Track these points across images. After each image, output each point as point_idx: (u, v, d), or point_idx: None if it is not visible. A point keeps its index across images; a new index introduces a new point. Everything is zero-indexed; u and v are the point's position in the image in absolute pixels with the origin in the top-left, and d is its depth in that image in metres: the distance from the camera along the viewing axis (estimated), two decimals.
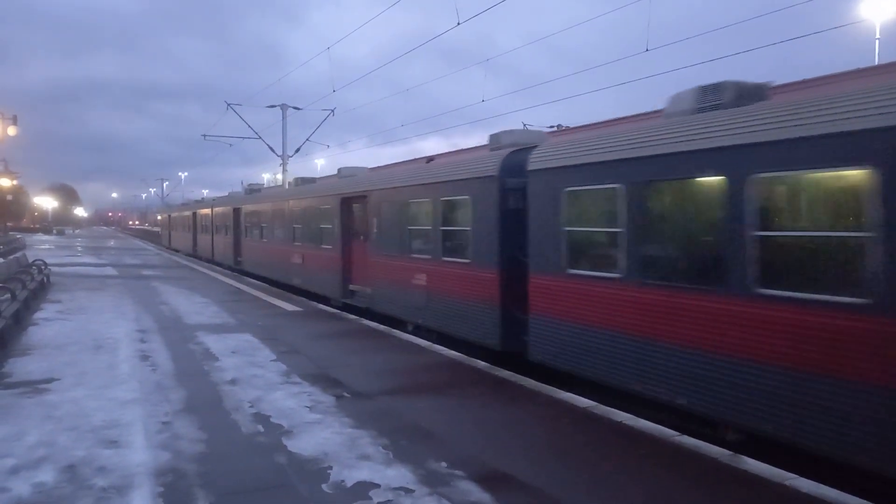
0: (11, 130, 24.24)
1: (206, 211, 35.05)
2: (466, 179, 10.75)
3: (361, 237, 15.38)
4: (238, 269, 26.95)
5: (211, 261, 32.70)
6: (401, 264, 12.95)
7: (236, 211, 27.93)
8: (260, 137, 35.49)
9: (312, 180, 22.28)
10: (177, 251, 44.02)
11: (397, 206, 13.17)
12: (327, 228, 17.15)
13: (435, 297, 11.67)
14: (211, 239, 33.46)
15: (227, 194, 36.29)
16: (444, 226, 11.43)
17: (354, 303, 15.59)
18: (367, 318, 14.12)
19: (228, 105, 33.08)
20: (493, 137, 11.35)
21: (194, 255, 37.83)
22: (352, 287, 15.85)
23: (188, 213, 41.49)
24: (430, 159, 13.47)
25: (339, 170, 18.28)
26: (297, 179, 22.47)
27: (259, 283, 22.51)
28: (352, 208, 15.97)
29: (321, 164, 71.40)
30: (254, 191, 29.52)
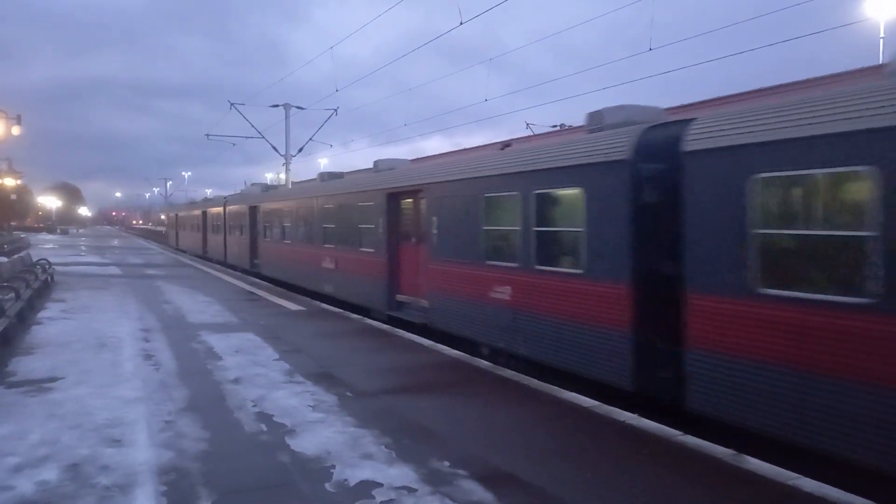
0: (15, 130, 24.30)
1: (218, 209, 32.54)
2: (578, 166, 8.38)
3: (413, 239, 13.21)
4: (254, 273, 24.87)
5: (223, 263, 30.58)
6: (473, 273, 10.61)
7: (253, 209, 25.61)
8: (263, 137, 35.54)
9: (340, 175, 20.17)
10: (184, 252, 42.20)
11: (468, 201, 10.82)
12: (368, 229, 14.84)
13: (525, 317, 9.36)
14: (223, 240, 31.20)
15: (239, 192, 33.79)
16: (539, 226, 9.10)
17: (404, 317, 13.28)
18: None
19: (231, 104, 33.14)
20: (593, 116, 9.15)
21: (204, 256, 35.68)
22: (400, 298, 13.65)
23: (197, 211, 39.06)
24: (506, 144, 11.13)
25: (376, 162, 16.31)
26: (322, 174, 20.39)
27: (262, 282, 22.51)
28: (400, 205, 13.84)
29: (324, 163, 71.39)
30: (270, 188, 27.30)
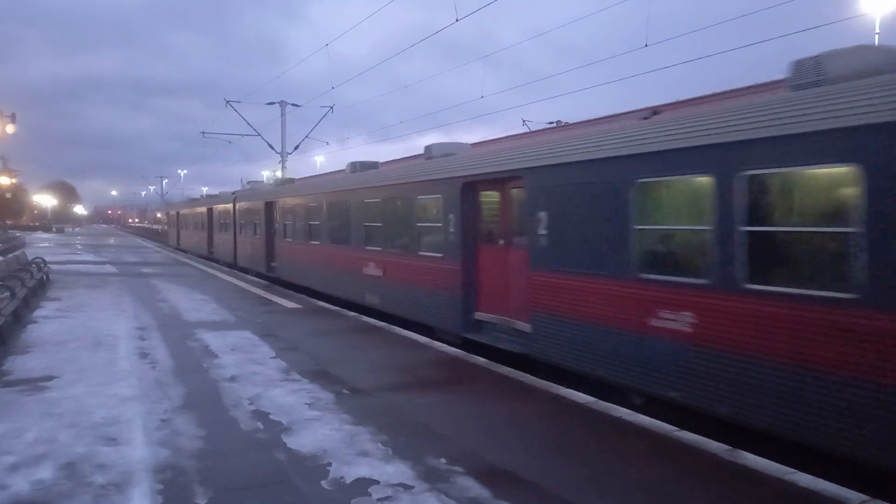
0: (10, 128, 24.23)
1: (226, 206, 29.55)
2: (850, 130, 5.47)
3: (501, 241, 10.38)
4: (272, 278, 22.10)
5: (233, 266, 27.53)
6: (617, 290, 7.75)
7: (269, 205, 22.86)
8: (259, 135, 35.57)
9: (375, 165, 17.50)
10: (186, 252, 39.38)
11: (605, 190, 7.96)
12: (431, 227, 12.08)
13: (726, 360, 6.42)
14: (233, 240, 28.04)
15: (248, 187, 31.63)
16: (755, 224, 6.24)
17: (490, 342, 10.29)
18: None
19: (227, 102, 33.13)
20: (803, 66, 6.57)
21: (210, 257, 32.80)
22: (479, 316, 10.87)
23: (202, 208, 35.81)
24: (653, 112, 8.71)
25: (429, 147, 13.51)
26: (353, 164, 17.54)
27: (259, 280, 22.46)
28: (480, 198, 11.02)
29: (320, 160, 71.49)
30: (287, 181, 25.14)
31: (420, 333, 11.87)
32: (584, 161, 8.36)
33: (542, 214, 9.07)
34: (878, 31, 28.68)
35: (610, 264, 7.89)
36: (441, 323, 11.72)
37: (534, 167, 9.28)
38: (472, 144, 14.99)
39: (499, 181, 10.36)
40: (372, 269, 14.45)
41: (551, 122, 33.99)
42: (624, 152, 7.71)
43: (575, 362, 8.48)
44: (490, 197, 10.82)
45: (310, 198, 18.91)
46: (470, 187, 11.02)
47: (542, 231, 9.05)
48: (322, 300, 16.87)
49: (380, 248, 14.10)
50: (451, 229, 11.32)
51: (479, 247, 10.98)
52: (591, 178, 8.25)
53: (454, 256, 11.25)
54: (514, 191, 10.02)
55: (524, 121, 33.72)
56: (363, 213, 15.01)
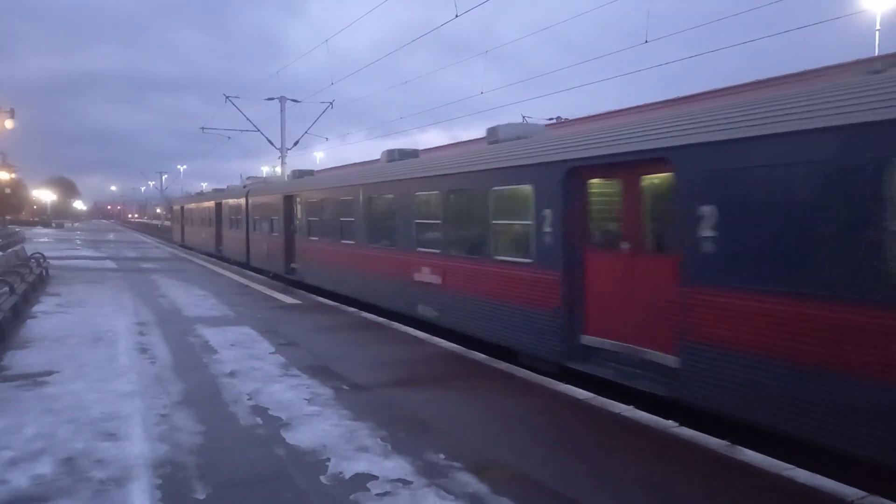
0: (9, 123, 24.22)
1: (238, 201, 27.62)
2: None
3: (627, 245, 8.03)
4: (292, 281, 20.06)
5: (246, 265, 25.67)
6: (865, 321, 5.31)
7: (288, 200, 20.74)
8: (259, 130, 35.50)
9: (415, 153, 15.41)
10: (191, 250, 37.62)
11: (843, 172, 5.48)
12: (516, 227, 9.80)
13: None
14: (245, 237, 26.12)
15: (248, 182, 30.24)
16: None
17: (615, 378, 7.97)
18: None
19: (227, 98, 33.09)
20: None
21: (219, 256, 31.12)
22: (587, 341, 8.56)
23: (210, 203, 33.83)
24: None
25: (493, 129, 11.46)
26: (390, 152, 15.38)
27: (258, 276, 22.44)
28: (588, 188, 8.69)
29: (320, 156, 71.37)
30: (305, 173, 22.97)
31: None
32: (800, 132, 5.82)
33: (708, 210, 6.72)
34: (878, 27, 28.62)
35: (853, 284, 5.40)
36: (530, 347, 9.34)
37: (697, 144, 6.80)
38: (546, 125, 12.63)
39: (622, 166, 8.01)
40: (426, 276, 12.16)
41: (551, 119, 33.95)
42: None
43: (776, 419, 5.98)
44: (603, 187, 8.54)
45: (341, 190, 16.43)
46: (576, 175, 8.67)
47: (707, 233, 6.72)
48: (337, 301, 16.87)
49: (438, 251, 11.85)
50: (548, 228, 8.99)
51: (587, 251, 8.66)
52: (814, 157, 5.72)
53: (551, 263, 8.92)
54: (648, 178, 7.80)
55: (524, 117, 33.67)
56: (414, 207, 12.75)
